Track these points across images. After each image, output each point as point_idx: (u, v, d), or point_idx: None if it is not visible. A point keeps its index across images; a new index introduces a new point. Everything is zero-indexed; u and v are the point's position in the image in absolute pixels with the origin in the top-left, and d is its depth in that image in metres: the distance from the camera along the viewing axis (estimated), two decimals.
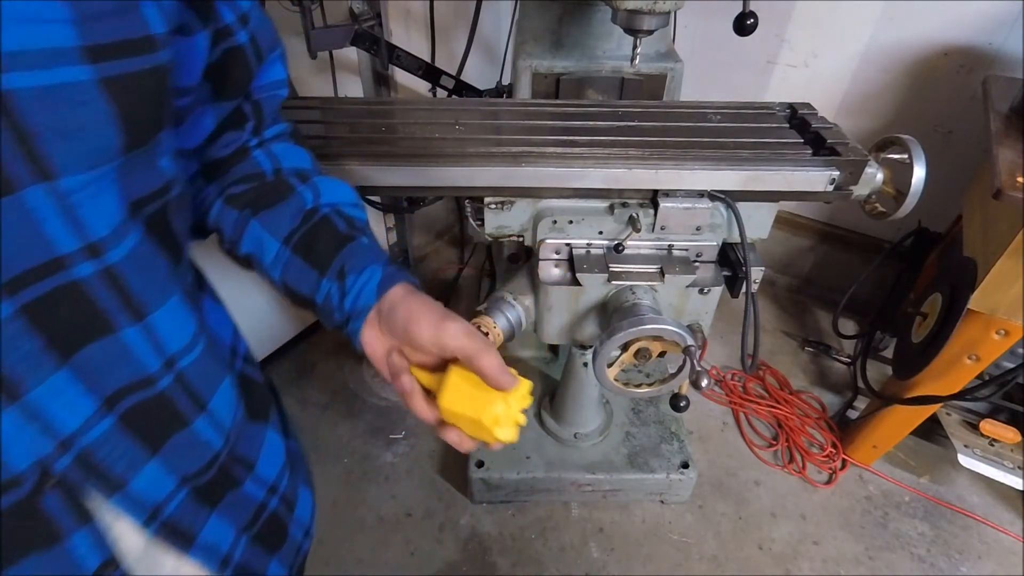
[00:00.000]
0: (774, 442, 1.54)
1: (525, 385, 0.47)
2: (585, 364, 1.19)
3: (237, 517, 0.45)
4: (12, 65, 0.26)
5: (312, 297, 0.49)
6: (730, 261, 0.89)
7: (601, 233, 0.86)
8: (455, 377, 0.46)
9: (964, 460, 1.30)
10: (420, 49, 1.38)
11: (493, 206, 0.86)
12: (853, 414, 1.55)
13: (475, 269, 2.02)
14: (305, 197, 0.51)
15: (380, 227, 1.85)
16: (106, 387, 0.34)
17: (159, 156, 0.35)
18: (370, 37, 1.24)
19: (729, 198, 0.83)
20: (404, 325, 0.46)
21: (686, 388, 0.96)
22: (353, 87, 1.55)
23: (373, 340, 0.49)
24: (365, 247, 0.50)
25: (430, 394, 0.48)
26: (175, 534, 0.40)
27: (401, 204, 1.67)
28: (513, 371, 0.46)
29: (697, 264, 0.88)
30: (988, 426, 1.30)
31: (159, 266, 0.36)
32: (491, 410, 0.45)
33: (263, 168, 0.51)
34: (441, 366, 0.49)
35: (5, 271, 0.28)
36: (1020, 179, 0.89)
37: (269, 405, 0.52)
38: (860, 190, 0.86)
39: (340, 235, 0.50)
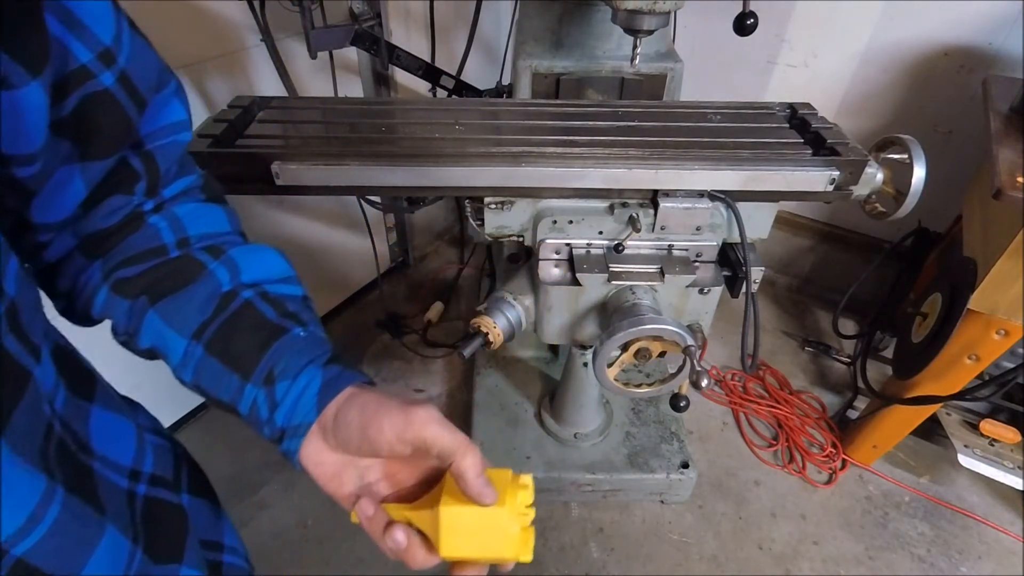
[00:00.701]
0: (774, 442, 1.54)
1: (527, 480, 0.41)
2: (585, 364, 1.19)
3: None
4: None
5: (234, 405, 0.40)
6: (730, 261, 0.89)
7: (601, 233, 0.86)
8: (448, 516, 0.38)
9: (964, 460, 1.30)
10: (420, 49, 1.38)
11: (493, 206, 0.86)
12: (853, 414, 1.55)
13: (475, 269, 2.02)
14: (219, 277, 0.41)
15: (380, 227, 1.85)
16: None
17: None
18: (370, 37, 1.24)
19: (729, 198, 0.83)
20: (361, 431, 0.38)
21: (686, 388, 0.96)
22: (353, 87, 1.55)
23: (318, 458, 0.40)
24: (300, 341, 0.41)
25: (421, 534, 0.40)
26: None
27: (401, 204, 1.67)
28: (508, 472, 0.39)
29: (697, 264, 0.88)
30: (988, 426, 1.30)
31: None
32: (505, 539, 0.38)
33: (164, 240, 0.40)
34: (421, 482, 0.41)
35: None
36: (1020, 179, 0.89)
37: (184, 533, 0.41)
38: (860, 190, 0.86)
39: (268, 326, 0.40)
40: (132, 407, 0.44)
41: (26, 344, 0.28)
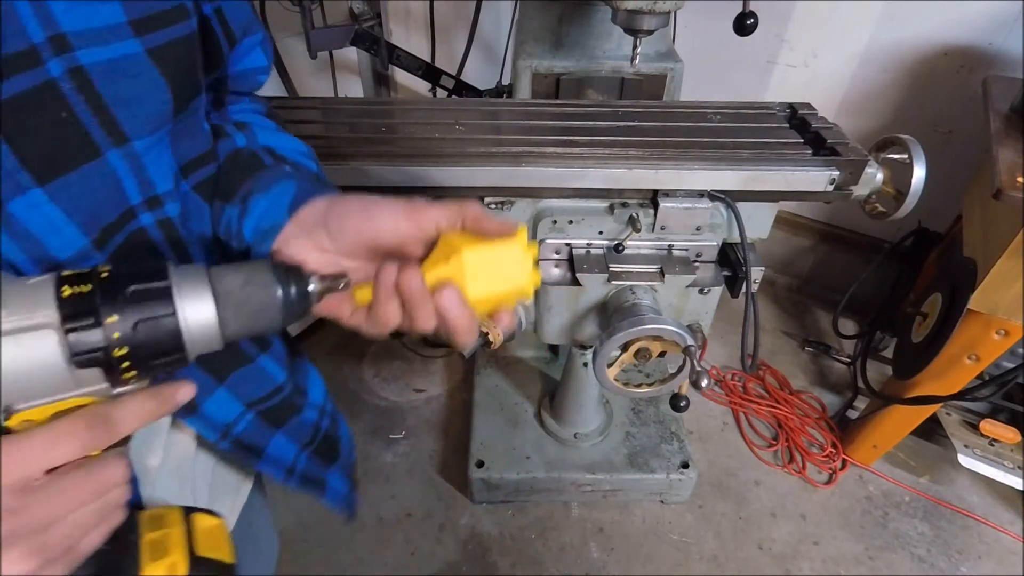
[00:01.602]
0: (774, 442, 1.54)
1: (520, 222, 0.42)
2: (585, 364, 1.19)
3: (299, 436, 0.50)
4: (81, 43, 0.29)
5: (214, 231, 0.42)
6: (730, 261, 0.89)
7: (601, 233, 0.86)
8: (471, 258, 0.37)
9: (964, 460, 1.30)
10: (420, 49, 1.39)
11: (493, 206, 0.86)
12: (853, 414, 1.55)
13: None
14: (236, 139, 0.45)
15: None
16: None
17: (202, 119, 0.39)
18: (370, 37, 1.24)
19: (729, 198, 0.83)
20: (363, 212, 0.37)
21: (686, 388, 0.96)
22: (353, 87, 1.55)
23: (300, 257, 0.37)
24: (286, 172, 0.42)
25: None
26: (246, 449, 0.45)
27: None
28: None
29: (697, 264, 0.88)
30: (988, 426, 1.30)
31: (207, 222, 0.41)
32: (523, 270, 0.40)
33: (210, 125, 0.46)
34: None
35: (98, 224, 0.32)
36: (1020, 179, 0.89)
37: (297, 343, 0.54)
38: (860, 190, 0.86)
39: (260, 165, 0.42)
40: None
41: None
